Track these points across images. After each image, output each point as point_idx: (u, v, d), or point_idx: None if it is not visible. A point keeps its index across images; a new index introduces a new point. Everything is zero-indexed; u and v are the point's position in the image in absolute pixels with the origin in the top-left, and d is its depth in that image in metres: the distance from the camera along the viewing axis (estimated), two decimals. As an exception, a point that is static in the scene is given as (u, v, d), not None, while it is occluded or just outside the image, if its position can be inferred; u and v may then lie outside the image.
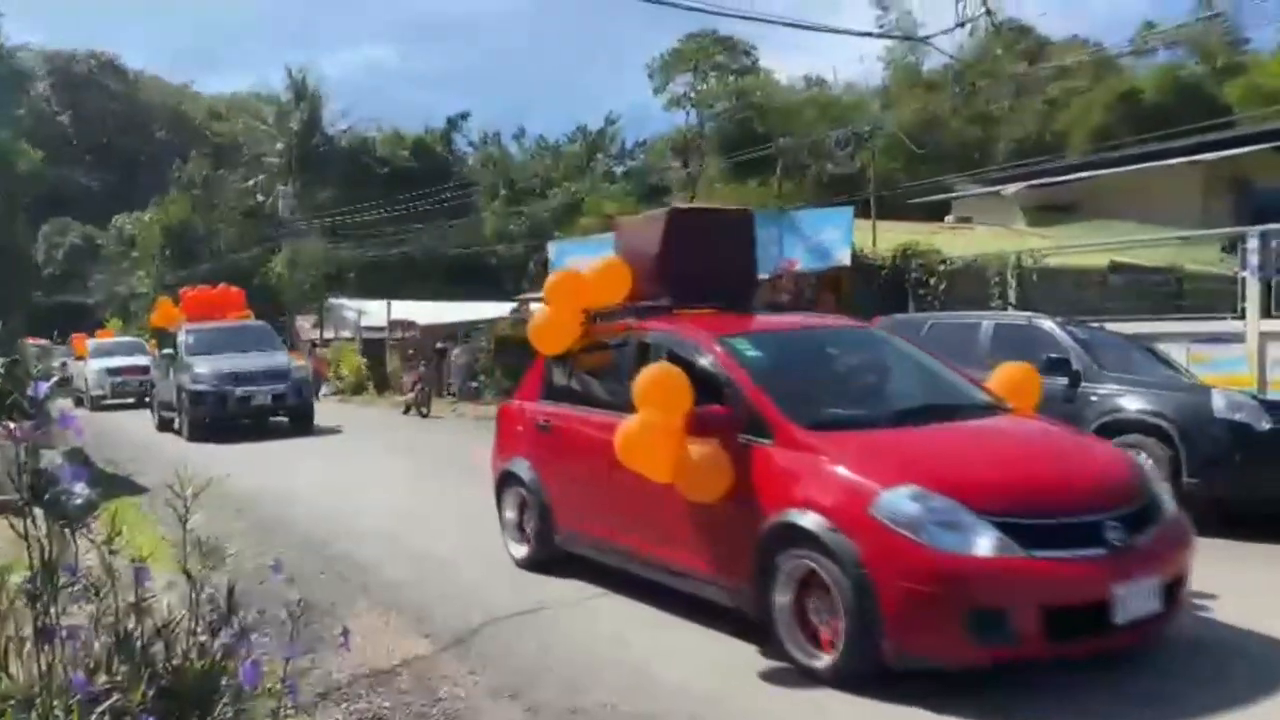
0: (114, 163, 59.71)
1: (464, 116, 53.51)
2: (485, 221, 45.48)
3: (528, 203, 44.96)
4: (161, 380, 18.56)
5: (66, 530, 2.92)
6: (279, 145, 43.66)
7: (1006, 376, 5.94)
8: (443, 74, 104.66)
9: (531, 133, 52.26)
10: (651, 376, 5.19)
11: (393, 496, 10.11)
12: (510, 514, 6.94)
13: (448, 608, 5.93)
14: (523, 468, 6.72)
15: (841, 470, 4.61)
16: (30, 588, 2.77)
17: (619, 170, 50.97)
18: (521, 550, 6.79)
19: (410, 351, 25.25)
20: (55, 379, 4.09)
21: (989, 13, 12.32)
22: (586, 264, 6.78)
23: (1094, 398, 7.95)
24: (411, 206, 40.51)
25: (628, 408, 5.29)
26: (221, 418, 16.13)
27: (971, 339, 9.69)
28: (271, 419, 17.23)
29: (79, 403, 25.01)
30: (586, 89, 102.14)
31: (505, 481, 6.96)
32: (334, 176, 43.05)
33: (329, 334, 34.20)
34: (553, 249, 19.56)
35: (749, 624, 4.96)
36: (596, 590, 6.14)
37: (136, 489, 10.15)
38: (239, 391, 16.29)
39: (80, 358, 27.21)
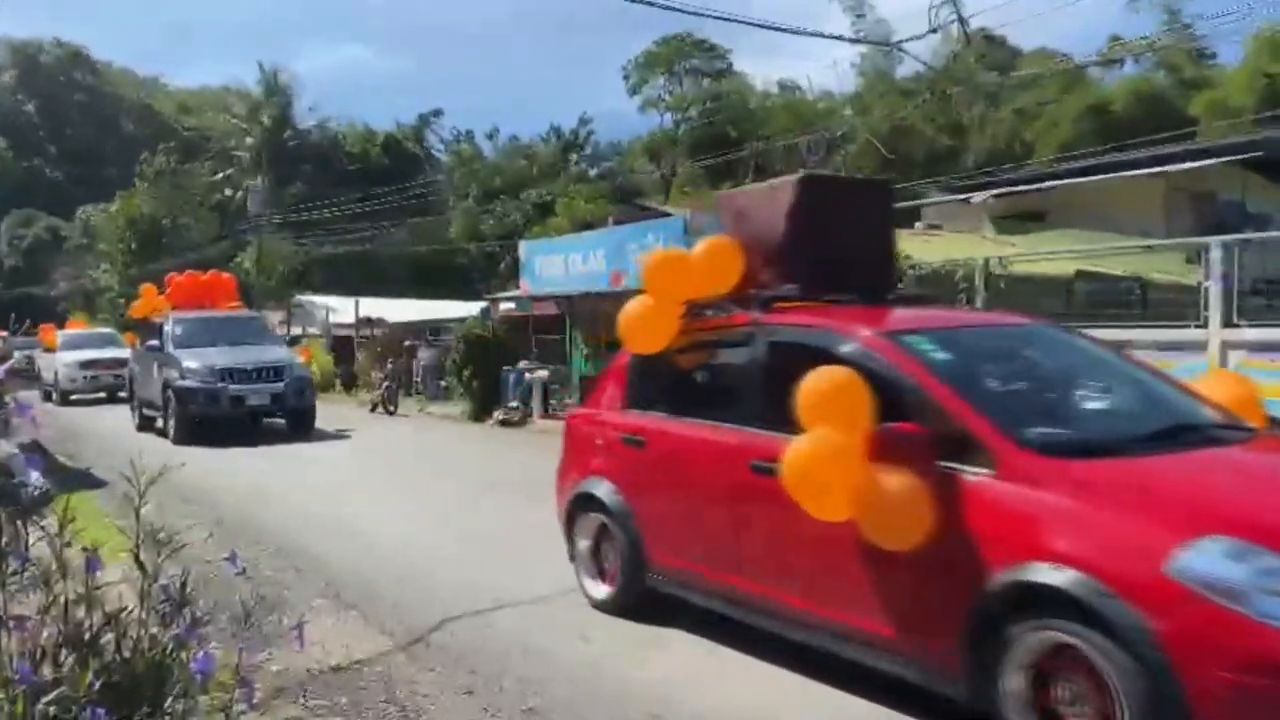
0: (80, 155, 58.88)
1: (436, 114, 53.30)
2: (455, 220, 45.26)
3: (499, 202, 44.81)
4: (144, 375, 16.65)
5: (18, 520, 2.86)
6: (249, 140, 43.30)
7: (1223, 386, 4.79)
8: (417, 75, 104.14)
9: (505, 133, 52.07)
10: (825, 385, 4.08)
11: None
12: (584, 544, 5.81)
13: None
14: (604, 490, 5.58)
15: (1111, 513, 3.48)
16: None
17: (592, 172, 50.91)
18: (600, 589, 5.67)
19: (378, 349, 25.08)
20: (10, 362, 4.01)
21: (961, 20, 12.41)
22: (691, 247, 5.63)
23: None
24: (382, 203, 40.27)
25: (752, 420, 4.62)
26: (212, 419, 14.57)
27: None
28: (266, 420, 15.64)
29: (47, 396, 24.06)
30: (561, 91, 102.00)
31: (579, 506, 5.80)
32: (304, 172, 42.72)
33: (297, 330, 33.88)
34: (524, 249, 19.46)
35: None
36: (559, 583, 6.10)
37: (96, 483, 9.98)
38: (232, 390, 14.68)
39: (50, 349, 25.69)
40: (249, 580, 5.58)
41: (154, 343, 15.99)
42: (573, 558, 5.91)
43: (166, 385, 14.93)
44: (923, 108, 33.17)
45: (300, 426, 15.36)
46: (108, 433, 16.29)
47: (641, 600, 5.38)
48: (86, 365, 24.00)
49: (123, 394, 22.59)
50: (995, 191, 22.30)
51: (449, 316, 26.18)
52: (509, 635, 5.31)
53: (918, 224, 23.93)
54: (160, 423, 15.52)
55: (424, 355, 23.21)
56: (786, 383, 4.16)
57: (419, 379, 23.20)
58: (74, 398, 23.77)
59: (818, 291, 5.08)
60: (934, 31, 13.29)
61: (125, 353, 23.96)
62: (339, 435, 15.52)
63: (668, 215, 17.10)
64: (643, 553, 5.33)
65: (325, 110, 46.53)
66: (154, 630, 2.86)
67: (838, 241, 5.30)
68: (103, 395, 23.61)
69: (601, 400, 5.99)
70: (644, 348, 5.55)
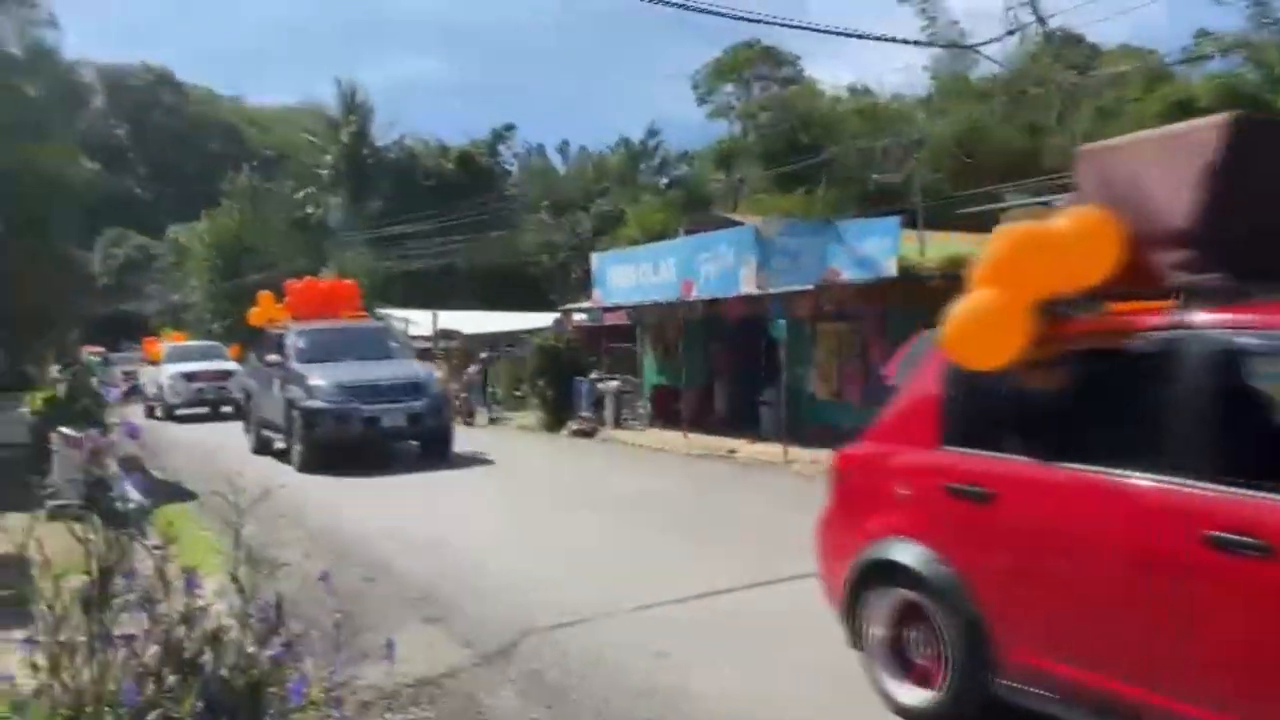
0: (168, 174, 61.00)
1: (509, 128, 53.93)
2: (527, 232, 45.76)
3: (570, 214, 45.16)
4: (262, 393, 15.06)
5: (124, 537, 2.96)
6: (328, 157, 44.39)
7: None
8: (489, 87, 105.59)
9: (575, 145, 52.48)
10: None
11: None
12: (881, 630, 4.37)
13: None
14: (915, 556, 4.14)
15: None
16: (87, 594, 2.81)
17: (662, 181, 50.99)
18: (910, 692, 4.24)
19: (454, 361, 25.45)
20: (129, 386, 4.17)
21: (1041, 21, 12.09)
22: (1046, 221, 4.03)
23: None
24: (457, 218, 40.92)
25: (1199, 470, 3.30)
26: (343, 443, 13.10)
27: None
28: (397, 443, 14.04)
29: (150, 412, 23.55)
30: (630, 102, 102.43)
31: (869, 576, 4.38)
32: (381, 188, 43.63)
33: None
34: (595, 260, 19.59)
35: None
36: (636, 598, 6.08)
37: (187, 494, 10.30)
38: (365, 410, 13.13)
39: (153, 362, 25.26)
40: (338, 597, 5.70)
41: (274, 357, 14.44)
42: (858, 645, 4.45)
43: (290, 405, 13.41)
44: (999, 109, 32.51)
45: (437, 450, 13.79)
46: (221, 455, 14.83)
47: (984, 710, 3.95)
48: (191, 378, 23.38)
49: (226, 408, 22.41)
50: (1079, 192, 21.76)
51: (523, 328, 26.44)
52: (589, 650, 5.33)
53: (996, 228, 23.51)
54: (280, 445, 14.21)
55: (471, 370, 23.06)
56: (1256, 416, 3.23)
57: (464, 395, 22.91)
58: (179, 412, 23.12)
59: (1252, 280, 3.47)
60: (1012, 33, 12.98)
61: (230, 365, 24.08)
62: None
63: (739, 224, 17.03)
64: (988, 647, 3.87)
65: (399, 125, 47.47)
66: (251, 649, 2.94)
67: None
68: (205, 410, 23.17)
69: (896, 432, 4.53)
70: (982, 360, 3.94)
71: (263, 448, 15.04)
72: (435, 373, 15.64)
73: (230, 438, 17.17)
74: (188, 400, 23.21)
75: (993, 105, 33.43)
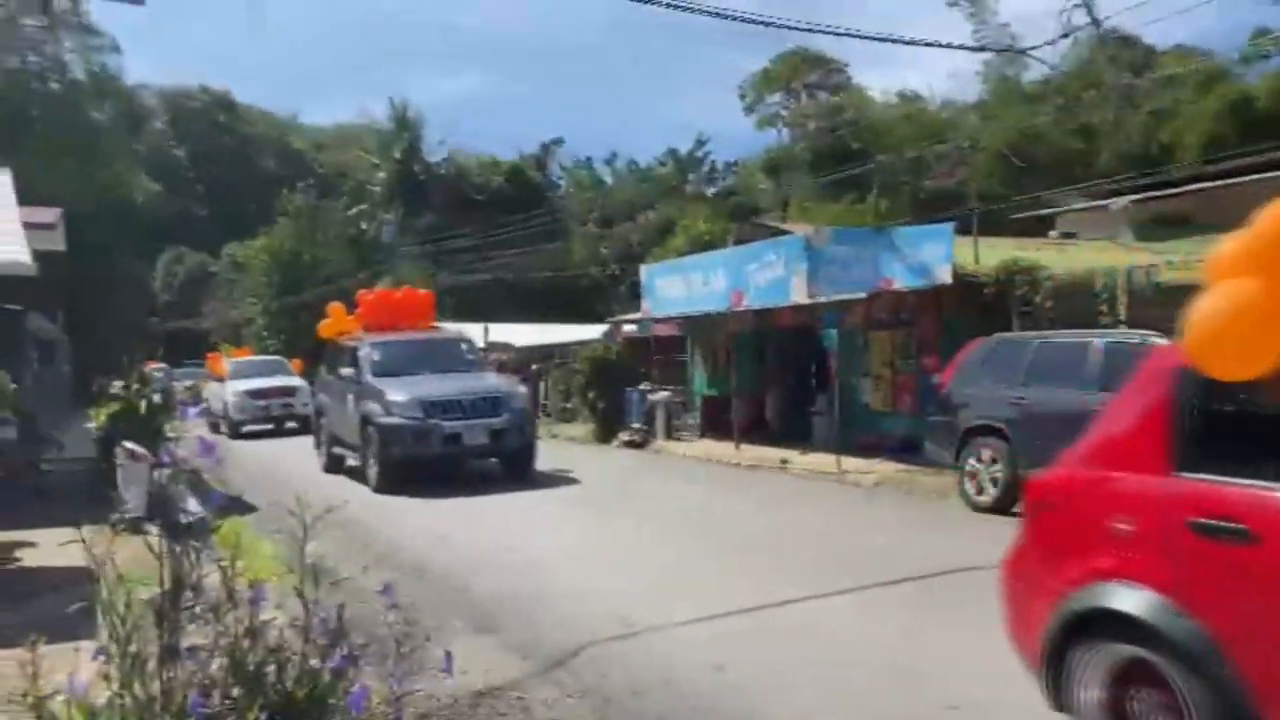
0: (225, 193, 62.34)
1: (557, 142, 54.34)
2: (576, 245, 46.04)
3: (618, 226, 45.35)
4: (335, 409, 14.36)
5: (192, 551, 3.02)
6: (381, 174, 45.13)
7: None
8: (535, 100, 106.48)
9: (623, 156, 52.67)
10: None
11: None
12: (1097, 692, 3.63)
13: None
14: (1146, 606, 3.40)
15: None
16: (159, 606, 2.87)
17: (709, 191, 50.99)
18: None
19: (506, 374, 25.66)
20: (203, 406, 4.27)
21: (1096, 23, 11.88)
22: None
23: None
24: (507, 231, 41.34)
25: None
26: (422, 460, 12.51)
27: (1081, 360, 9.39)
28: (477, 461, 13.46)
29: (215, 428, 22.96)
30: (678, 112, 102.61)
31: (1079, 628, 3.64)
32: (433, 203, 44.24)
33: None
34: (644, 271, 19.63)
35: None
36: (693, 610, 6.06)
37: (247, 508, 10.48)
38: (447, 427, 12.44)
39: (219, 378, 24.77)
40: (398, 609, 5.77)
41: (348, 370, 13.76)
42: (1062, 706, 3.74)
43: (366, 421, 12.75)
44: (1052, 113, 32.05)
45: (519, 468, 13.16)
46: (282, 469, 14.70)
47: None
48: (256, 394, 22.91)
49: (290, 424, 22.32)
50: (1135, 196, 21.35)
51: (573, 340, 26.58)
52: (646, 664, 5.32)
53: (1051, 232, 23.14)
54: (353, 463, 13.68)
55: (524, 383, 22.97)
56: None
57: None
58: (244, 429, 22.69)
59: None
60: (1067, 36, 12.77)
61: (294, 380, 23.81)
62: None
63: (788, 233, 16.97)
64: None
65: (449, 140, 48.17)
66: (313, 663, 2.98)
67: None
68: (270, 426, 22.84)
69: (1110, 455, 3.84)
70: (1239, 367, 3.22)
71: (335, 466, 14.55)
72: (519, 387, 14.70)
73: (295, 453, 16.92)
74: (254, 417, 22.82)
75: (1045, 108, 32.94)
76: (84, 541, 3.12)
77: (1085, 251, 18.03)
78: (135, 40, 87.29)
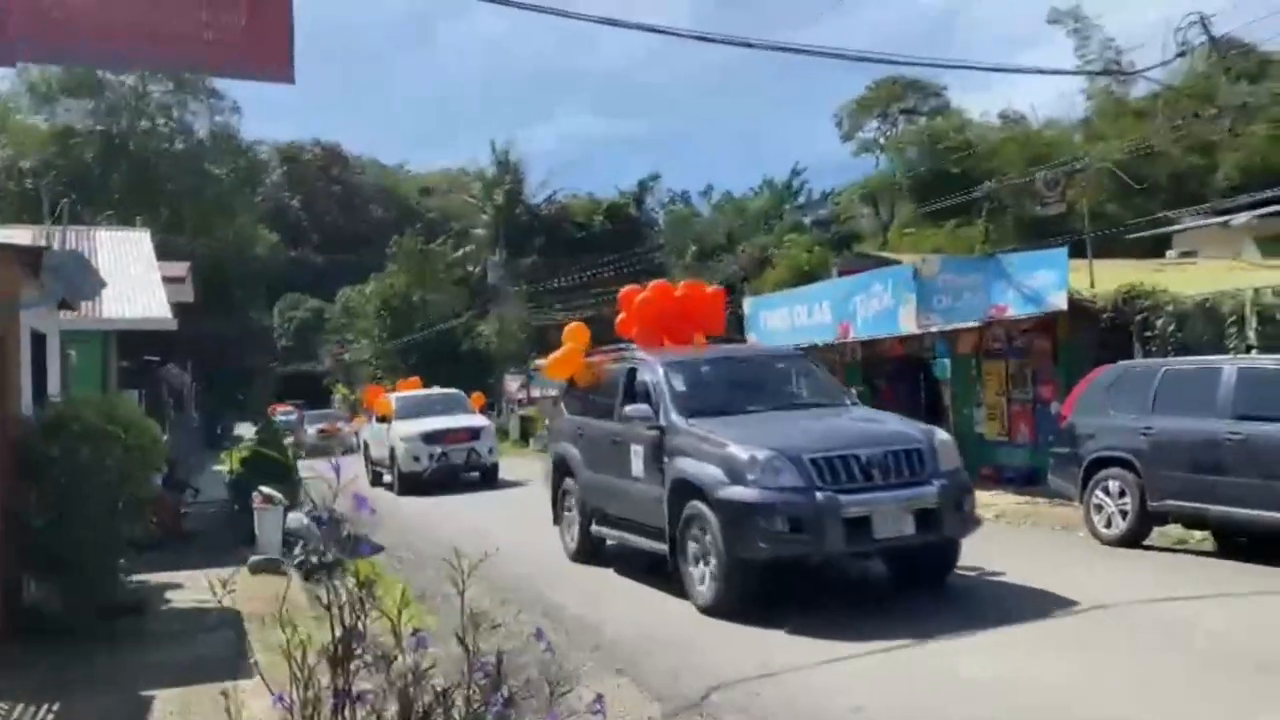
0: (337, 240, 64.94)
1: (654, 178, 54.93)
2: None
3: (716, 259, 45.47)
4: (602, 465, 9.43)
5: (365, 597, 3.21)
6: (484, 217, 46.44)
7: None
8: (634, 138, 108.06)
9: (719, 188, 52.84)
10: None
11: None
12: None
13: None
14: None
15: None
16: (332, 653, 3.07)
17: (807, 220, 50.75)
18: None
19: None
20: (346, 456, 4.52)
21: (1213, 40, 11.51)
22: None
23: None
24: (607, 269, 41.95)
25: None
26: (807, 564, 7.76)
27: (1212, 387, 9.05)
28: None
29: (376, 479, 19.44)
30: (774, 143, 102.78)
31: None
32: (536, 243, 45.26)
33: (535, 393, 35.63)
34: (748, 304, 19.70)
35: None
36: (829, 650, 6.06)
37: (375, 548, 10.83)
38: (847, 503, 7.04)
39: (383, 419, 19.61)
40: (539, 650, 5.91)
41: (635, 408, 8.57)
42: None
43: (683, 491, 7.80)
44: (1165, 129, 31.00)
45: (937, 575, 8.00)
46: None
47: None
48: (432, 439, 18.18)
49: (473, 474, 18.36)
50: (1259, 211, 20.47)
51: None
52: (776, 704, 5.34)
53: (1169, 252, 22.36)
54: (643, 547, 8.74)
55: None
56: None
57: None
58: (419, 483, 17.79)
59: None
60: (1182, 55, 12.37)
61: (478, 420, 19.48)
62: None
63: (894, 263, 16.81)
64: None
65: (551, 181, 49.31)
66: (476, 706, 3.13)
67: None
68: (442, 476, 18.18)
69: None
70: None
71: (592, 550, 9.80)
72: (940, 434, 8.12)
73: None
74: (429, 468, 18.02)
75: (1157, 125, 31.90)
76: (233, 587, 3.33)
77: (1207, 271, 17.36)
78: (253, 99, 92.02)
